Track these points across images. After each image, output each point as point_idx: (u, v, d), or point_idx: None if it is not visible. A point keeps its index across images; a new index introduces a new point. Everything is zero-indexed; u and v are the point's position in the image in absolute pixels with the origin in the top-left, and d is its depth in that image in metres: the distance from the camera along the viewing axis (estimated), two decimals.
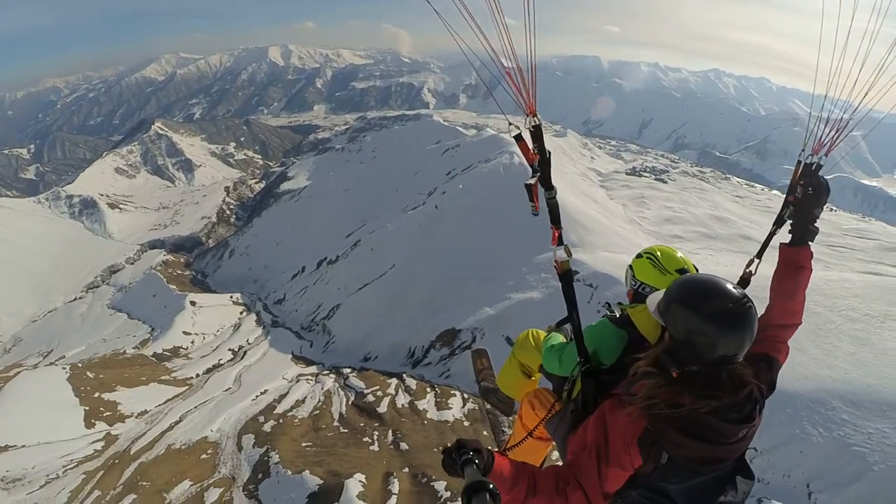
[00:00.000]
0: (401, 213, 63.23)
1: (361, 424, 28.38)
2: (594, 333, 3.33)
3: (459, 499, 1.95)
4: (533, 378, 4.33)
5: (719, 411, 2.28)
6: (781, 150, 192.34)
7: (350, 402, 31.77)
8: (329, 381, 35.63)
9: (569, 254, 3.02)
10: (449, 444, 2.26)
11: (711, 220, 50.32)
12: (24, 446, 28.92)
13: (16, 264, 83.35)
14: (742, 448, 2.48)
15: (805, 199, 3.07)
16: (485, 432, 25.89)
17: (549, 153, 2.80)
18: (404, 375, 35.46)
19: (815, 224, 3.09)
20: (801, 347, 21.43)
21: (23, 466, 26.92)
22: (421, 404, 29.87)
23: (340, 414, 30.43)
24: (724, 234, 46.99)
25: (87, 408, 34.19)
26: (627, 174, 72.32)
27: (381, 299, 48.31)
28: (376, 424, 28.08)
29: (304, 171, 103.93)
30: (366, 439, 26.54)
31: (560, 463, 2.94)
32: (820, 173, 3.16)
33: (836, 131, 3.12)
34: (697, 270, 3.33)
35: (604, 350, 3.24)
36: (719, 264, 38.56)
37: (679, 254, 3.53)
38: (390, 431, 26.91)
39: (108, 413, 34.22)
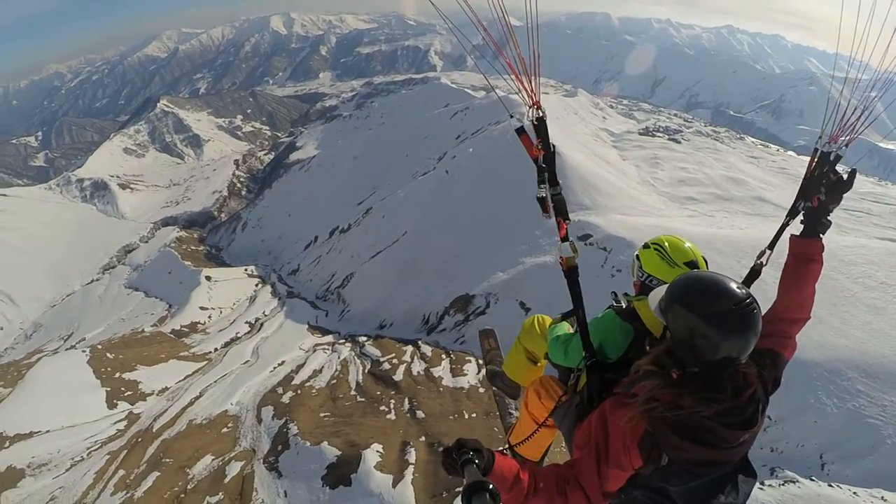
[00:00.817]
0: (411, 178, 62.72)
1: (378, 393, 28.36)
2: (599, 327, 3.28)
3: (460, 499, 1.88)
4: (539, 364, 4.34)
5: (721, 415, 2.24)
6: (797, 109, 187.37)
7: (366, 371, 31.77)
8: (345, 351, 35.68)
9: (574, 250, 2.93)
10: (449, 444, 2.28)
11: (726, 181, 49.01)
12: (48, 431, 29.14)
13: (32, 251, 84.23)
14: (743, 451, 2.42)
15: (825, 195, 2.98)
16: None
17: (554, 147, 2.76)
18: (419, 342, 35.40)
19: (829, 217, 3.01)
20: (817, 315, 20.61)
21: (48, 451, 27.22)
22: (436, 371, 29.76)
23: (357, 383, 30.42)
24: (740, 195, 45.71)
25: (109, 388, 34.43)
26: (640, 134, 70.04)
27: (394, 266, 48.14)
28: (392, 392, 28.02)
29: (312, 140, 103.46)
30: (382, 408, 26.48)
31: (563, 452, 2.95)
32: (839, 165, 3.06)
33: (859, 117, 2.93)
34: (707, 264, 3.37)
35: (609, 344, 3.20)
36: (734, 227, 37.76)
37: (687, 244, 3.41)
38: (406, 399, 26.82)
39: (129, 392, 34.51)
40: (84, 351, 40.01)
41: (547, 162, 2.76)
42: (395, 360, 32.03)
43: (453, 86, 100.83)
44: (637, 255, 3.55)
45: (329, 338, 41.74)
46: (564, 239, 2.91)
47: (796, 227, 3.17)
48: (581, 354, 3.18)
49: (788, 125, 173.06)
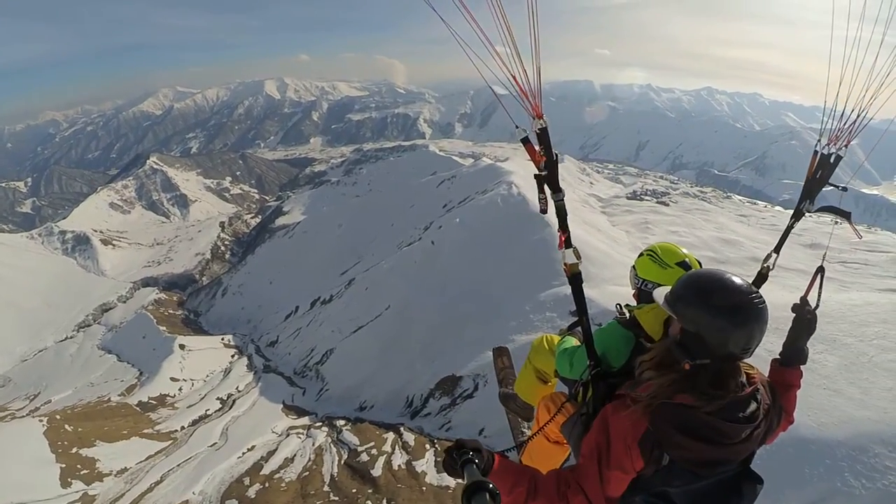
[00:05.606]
0: (396, 249, 61.67)
1: (353, 490, 26.28)
2: (603, 337, 3.28)
3: (460, 499, 1.85)
4: (549, 383, 4.37)
5: (722, 410, 2.25)
6: (779, 164, 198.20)
7: (342, 462, 29.73)
8: (321, 436, 33.62)
9: (577, 256, 2.93)
10: (450, 444, 2.25)
11: (719, 242, 48.11)
12: None
13: (7, 301, 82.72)
14: (746, 450, 2.39)
15: (793, 330, 3.01)
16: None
17: (557, 155, 2.79)
18: (402, 428, 33.39)
19: (806, 348, 3.03)
20: (836, 388, 19.68)
21: None
22: (419, 465, 27.76)
23: (331, 476, 28.37)
24: (734, 257, 44.51)
25: (64, 465, 32.71)
26: (628, 198, 70.53)
27: (376, 343, 46.23)
28: (370, 491, 25.97)
29: (299, 205, 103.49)
30: None
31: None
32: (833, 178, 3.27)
33: (853, 122, 3.02)
34: (700, 264, 3.40)
35: (612, 353, 3.19)
36: None
37: (683, 250, 3.46)
38: (385, 501, 24.84)
39: (85, 471, 32.73)
40: (41, 420, 38.18)
41: (549, 167, 2.78)
42: (374, 451, 30.02)
43: (441, 154, 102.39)
44: (633, 266, 3.61)
45: (305, 420, 39.53)
46: (567, 245, 2.88)
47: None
48: (585, 364, 3.18)
49: (772, 180, 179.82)
